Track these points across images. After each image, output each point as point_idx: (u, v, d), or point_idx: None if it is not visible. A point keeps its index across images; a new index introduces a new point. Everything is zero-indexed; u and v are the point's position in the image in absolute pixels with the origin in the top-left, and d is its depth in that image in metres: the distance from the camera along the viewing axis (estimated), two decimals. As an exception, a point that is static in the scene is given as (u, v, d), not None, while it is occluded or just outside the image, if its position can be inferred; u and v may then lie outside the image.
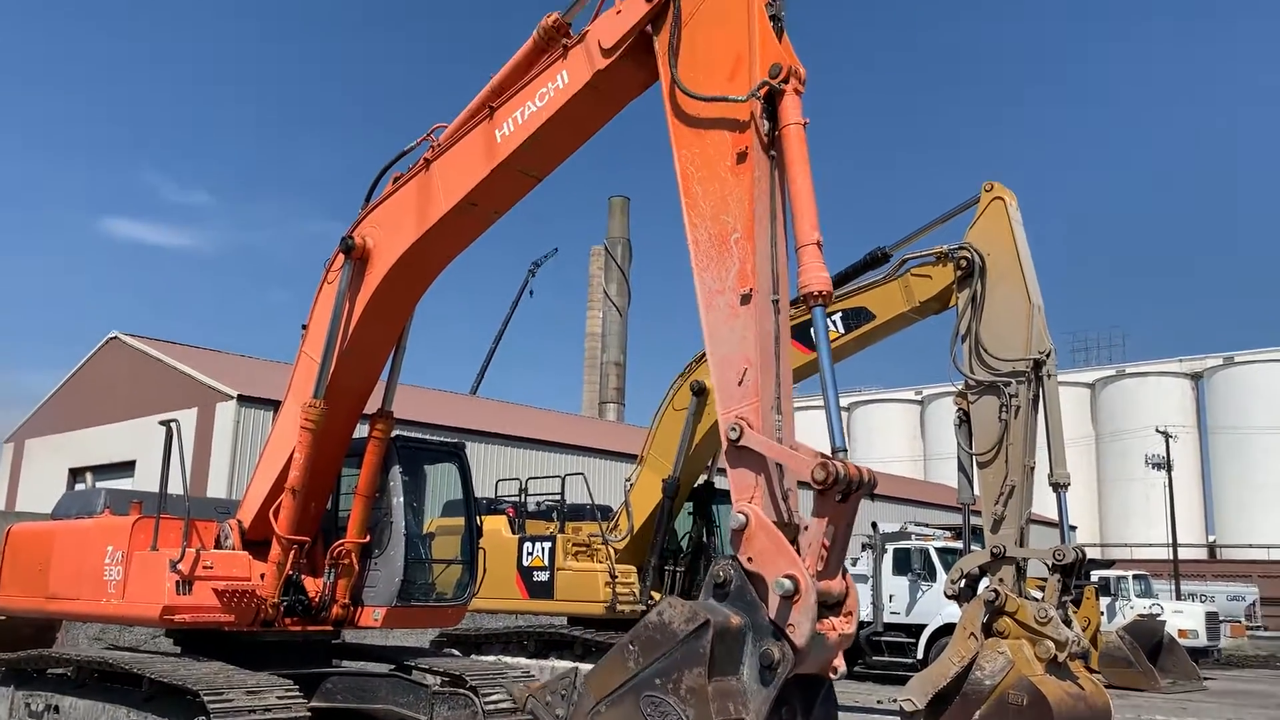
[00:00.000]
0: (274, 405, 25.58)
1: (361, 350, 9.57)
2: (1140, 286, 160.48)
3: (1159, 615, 23.55)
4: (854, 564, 20.76)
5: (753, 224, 6.04)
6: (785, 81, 6.02)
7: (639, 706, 5.68)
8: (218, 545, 9.59)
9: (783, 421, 6.08)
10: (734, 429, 5.92)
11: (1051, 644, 10.11)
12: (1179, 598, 33.65)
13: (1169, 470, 47.75)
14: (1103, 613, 21.91)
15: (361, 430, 10.08)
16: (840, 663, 5.85)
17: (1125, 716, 14.91)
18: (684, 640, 5.58)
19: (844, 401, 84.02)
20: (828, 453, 5.74)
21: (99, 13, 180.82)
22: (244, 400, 27.40)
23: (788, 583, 5.44)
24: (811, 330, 6.00)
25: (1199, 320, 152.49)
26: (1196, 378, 72.42)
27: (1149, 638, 21.38)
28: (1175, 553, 45.74)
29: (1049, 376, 11.11)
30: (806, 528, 5.72)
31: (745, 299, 6.01)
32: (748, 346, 6.01)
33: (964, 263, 11.37)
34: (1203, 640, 26.50)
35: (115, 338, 33.81)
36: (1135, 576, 26.11)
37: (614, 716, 5.79)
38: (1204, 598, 35.17)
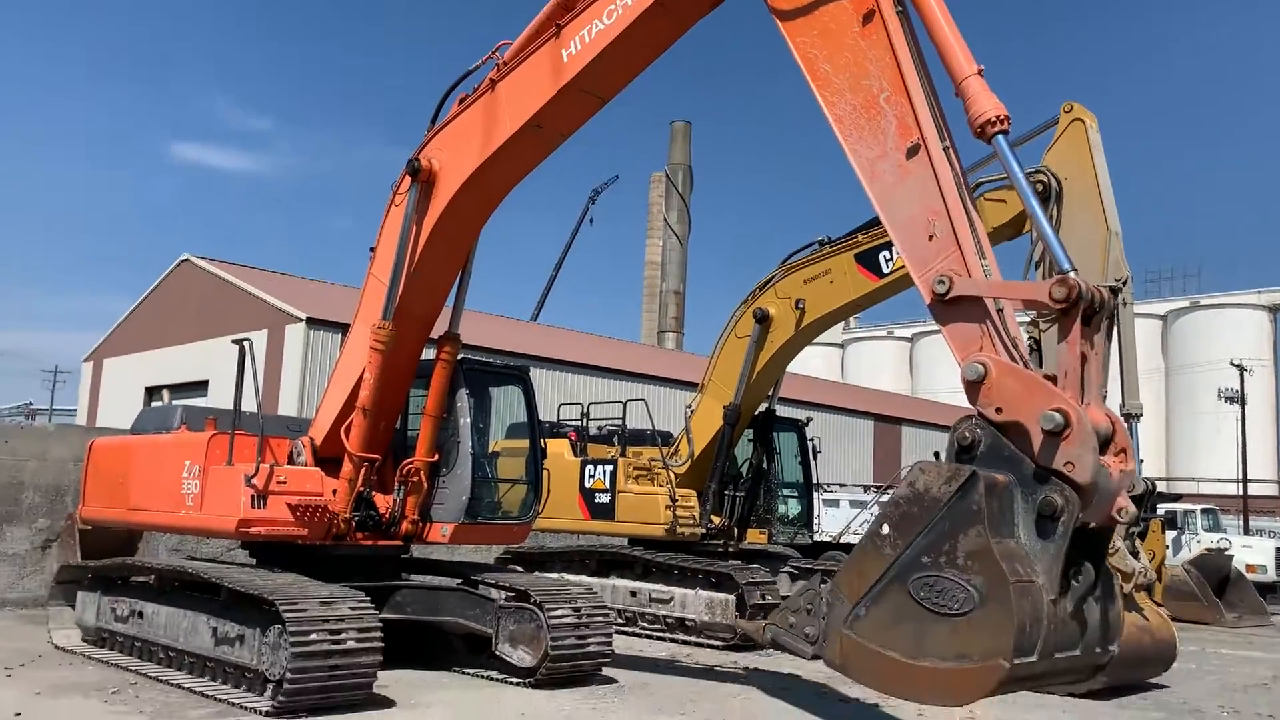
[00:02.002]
0: (342, 328, 26.03)
1: (428, 273, 9.67)
2: (1217, 215, 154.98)
3: (1227, 550, 23.18)
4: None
5: (900, 76, 5.84)
6: None
7: (909, 594, 5.06)
8: (290, 461, 9.86)
9: (990, 267, 5.75)
10: (941, 282, 5.60)
11: (1118, 575, 10.02)
12: (1247, 533, 33.09)
13: (1242, 404, 46.58)
14: (1168, 546, 21.62)
15: (429, 353, 10.23)
16: (1127, 502, 5.25)
17: (1189, 650, 14.79)
18: (950, 503, 5.01)
19: (906, 332, 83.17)
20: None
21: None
22: (313, 323, 27.88)
23: (1057, 416, 4.98)
24: (1001, 163, 5.72)
25: (1278, 250, 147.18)
26: (1275, 310, 70.17)
27: (1216, 572, 21.08)
28: (1245, 488, 44.85)
29: (1124, 304, 10.82)
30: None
31: (912, 151, 5.79)
32: (930, 197, 5.77)
33: (1040, 187, 11.04)
34: (1271, 575, 26.08)
35: (187, 260, 34.49)
36: (1203, 510, 25.69)
37: (880, 616, 5.18)
38: (1273, 533, 34.51)
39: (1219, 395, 49.89)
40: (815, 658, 5.53)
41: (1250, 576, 22.83)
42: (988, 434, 5.24)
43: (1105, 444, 5.18)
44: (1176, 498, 27.74)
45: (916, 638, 5.01)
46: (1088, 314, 5.30)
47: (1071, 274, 5.30)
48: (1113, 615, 5.49)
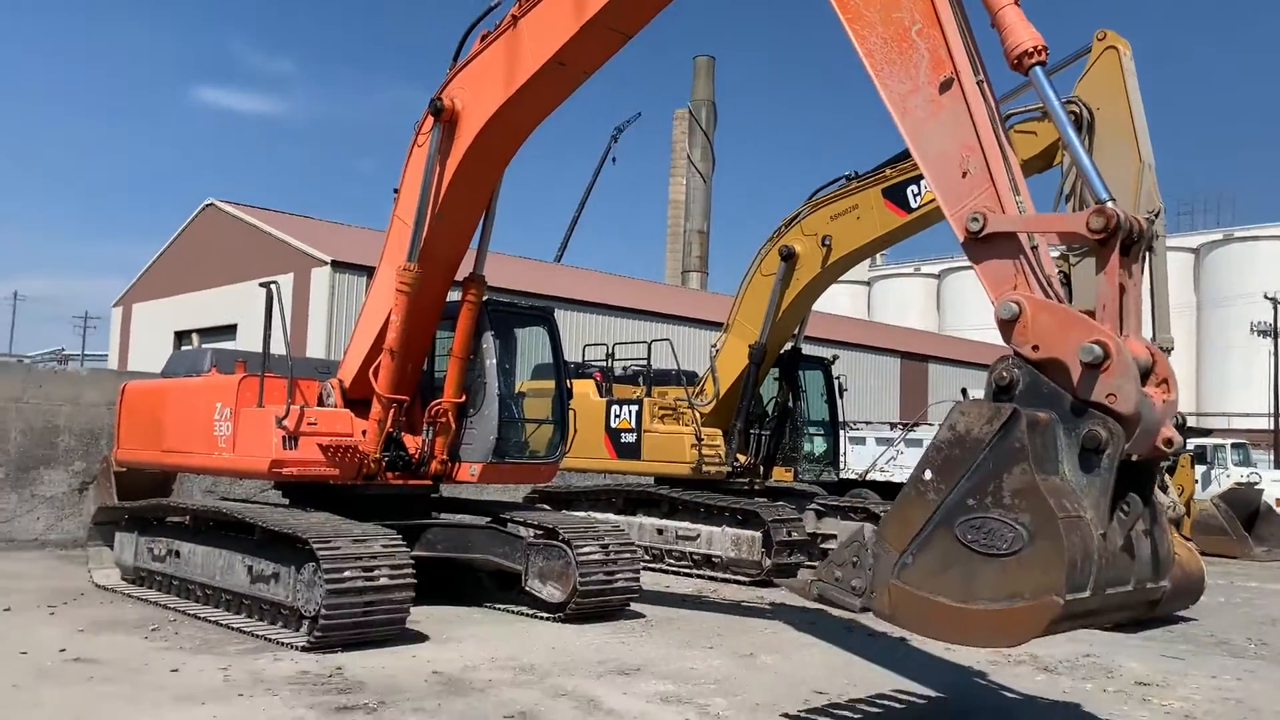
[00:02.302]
0: (367, 271, 26.12)
1: (452, 214, 9.64)
2: (1253, 144, 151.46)
3: (1257, 484, 23.06)
4: (941, 430, 20.64)
5: (932, 8, 5.68)
6: None
7: (957, 538, 5.00)
8: (320, 403, 9.95)
9: (1025, 203, 5.64)
10: (975, 219, 5.49)
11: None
12: (1278, 467, 32.87)
13: (1275, 338, 45.99)
14: (1197, 481, 21.53)
15: (454, 295, 10.24)
16: (1173, 433, 5.19)
17: (1218, 583, 14.80)
18: (992, 443, 4.94)
19: (933, 269, 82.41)
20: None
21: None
22: (338, 266, 27.95)
23: (1095, 348, 4.91)
24: (1039, 94, 5.59)
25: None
26: (1310, 242, 68.88)
27: (1245, 506, 21.00)
28: (1277, 422, 44.46)
29: (1157, 237, 10.62)
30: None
31: (945, 86, 5.66)
32: (964, 132, 5.65)
33: (1072, 118, 10.80)
34: (1300, 510, 25.97)
35: (211, 204, 34.57)
36: (1234, 445, 25.51)
37: (928, 562, 5.12)
38: (1304, 468, 34.30)
39: (1251, 329, 49.25)
40: (864, 610, 5.47)
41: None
42: (1025, 372, 5.16)
43: (1146, 375, 5.11)
44: (1207, 433, 27.55)
45: (966, 581, 4.97)
46: (1125, 244, 5.21)
47: (1109, 203, 5.20)
48: (1163, 549, 5.42)
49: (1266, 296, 47.95)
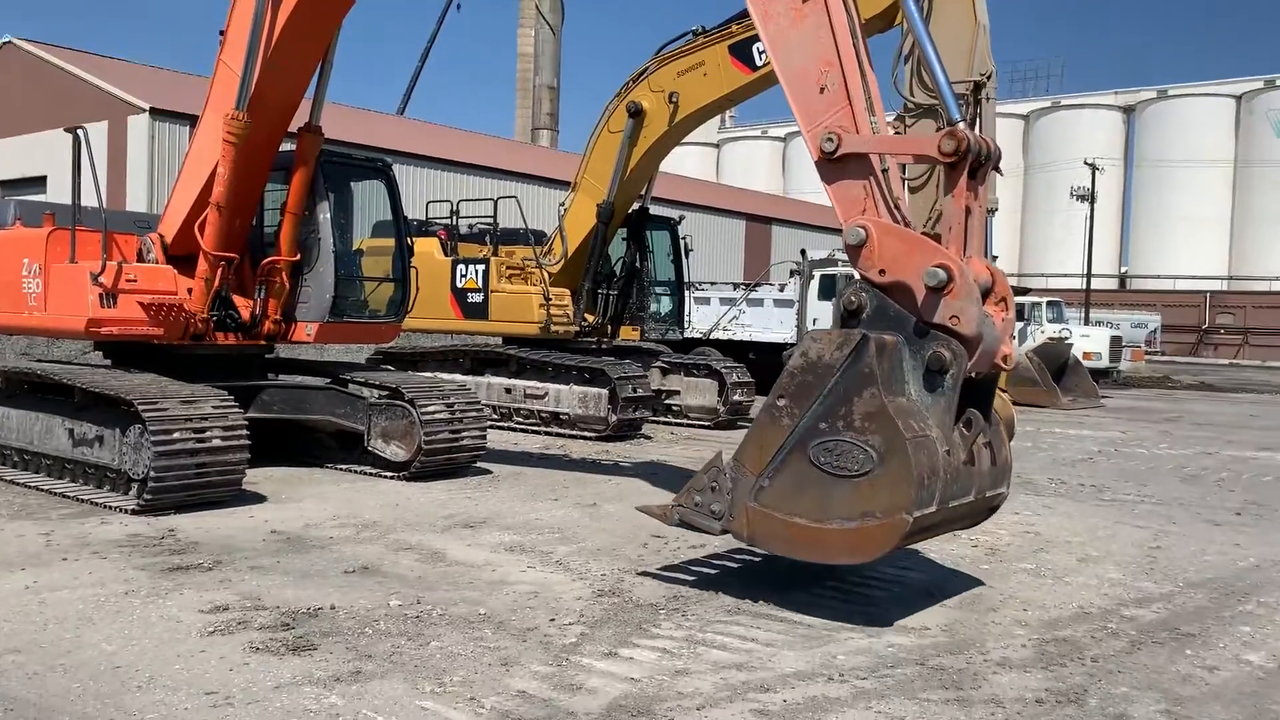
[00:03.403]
0: (190, 120, 24.39)
1: (286, 61, 9.03)
2: (1081, 15, 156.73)
3: (1067, 339, 24.74)
4: (781, 289, 21.23)
5: None
6: None
7: (811, 461, 5.20)
8: (140, 259, 9.40)
9: (879, 124, 5.70)
10: (829, 139, 5.52)
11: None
12: (1088, 324, 35.30)
13: (1092, 202, 48.69)
14: (1013, 336, 22.91)
15: (288, 146, 9.70)
16: (1011, 349, 5.48)
17: (1026, 430, 15.98)
18: (843, 368, 5.13)
19: (780, 132, 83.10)
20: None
21: None
22: (158, 114, 26.01)
23: (939, 272, 5.08)
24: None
25: (1136, 51, 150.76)
26: (1129, 110, 72.54)
27: (1056, 359, 22.57)
28: (1088, 282, 47.53)
29: (988, 100, 10.93)
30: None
31: None
32: (823, 47, 5.62)
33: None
34: (1105, 363, 28.12)
35: (9, 43, 31.39)
36: (1049, 303, 27.17)
37: (784, 485, 5.31)
38: (1111, 324, 36.96)
39: (1071, 193, 51.89)
40: (724, 533, 5.65)
41: (1086, 363, 24.56)
42: (873, 296, 5.33)
43: (986, 294, 5.33)
44: (1025, 291, 29.15)
45: (821, 501, 5.21)
46: (974, 167, 5.32)
47: (960, 125, 5.30)
48: (1001, 459, 5.82)
49: (1086, 162, 50.44)
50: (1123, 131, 72.54)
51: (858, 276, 5.53)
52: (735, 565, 6.74)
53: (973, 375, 5.29)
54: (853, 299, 5.41)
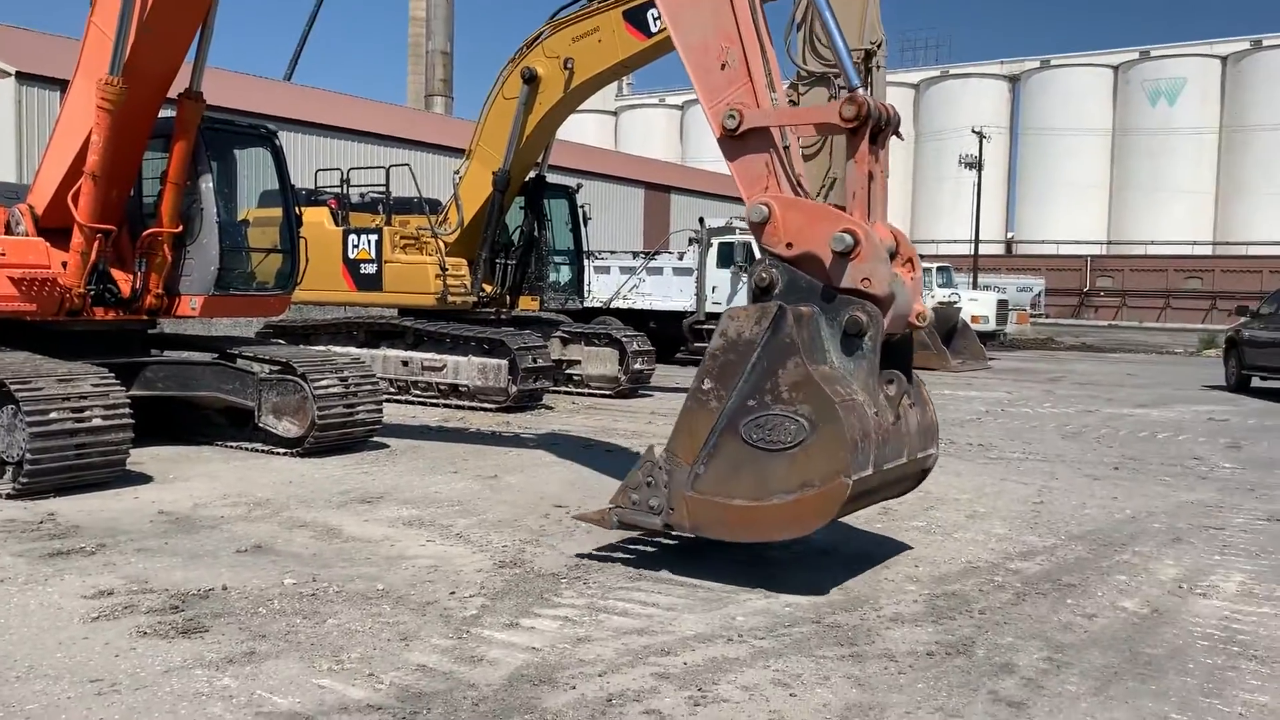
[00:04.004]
0: (61, 85, 23.19)
1: (162, 24, 8.63)
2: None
3: (956, 303, 25.49)
4: (680, 257, 21.32)
5: None
6: None
7: (743, 440, 5.14)
8: (8, 231, 8.95)
9: (779, 99, 5.70)
10: (731, 116, 5.50)
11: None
12: (975, 288, 36.43)
13: (979, 169, 50.09)
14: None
15: (168, 113, 9.30)
16: (924, 307, 5.53)
17: (918, 392, 16.42)
18: (764, 342, 5.11)
19: (677, 100, 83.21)
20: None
21: None
22: (25, 78, 24.65)
23: (847, 237, 5.10)
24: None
25: (1021, 22, 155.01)
26: (1014, 80, 74.65)
27: (945, 323, 23.26)
28: (976, 248, 48.99)
29: (878, 68, 11.12)
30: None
31: None
32: (724, 21, 5.58)
33: None
34: (992, 325, 29.13)
35: None
36: (939, 269, 27.93)
37: (719, 468, 5.24)
38: (998, 288, 38.21)
39: (959, 161, 53.28)
40: (667, 527, 5.56)
41: (975, 327, 25.40)
42: (783, 271, 5.33)
43: (892, 257, 5.39)
44: (917, 258, 29.94)
45: (758, 479, 5.16)
46: (874, 132, 5.36)
47: (860, 91, 5.34)
48: (927, 419, 5.90)
49: (974, 131, 51.82)
50: (1009, 100, 74.66)
51: (764, 254, 5.55)
52: (638, 532, 6.78)
53: (892, 337, 5.36)
54: (763, 275, 5.41)
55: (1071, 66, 71.23)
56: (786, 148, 5.62)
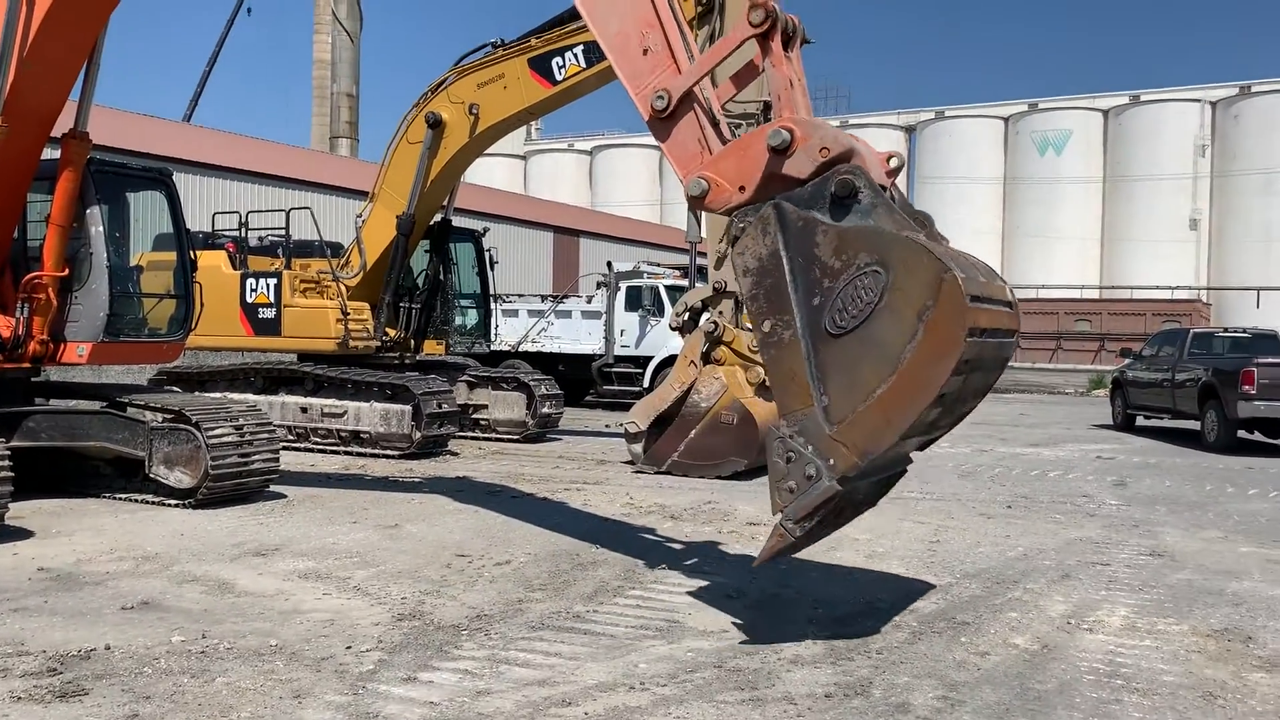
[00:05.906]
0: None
1: (44, 62, 8.40)
2: (866, 39, 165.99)
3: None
4: (589, 301, 21.39)
5: None
6: None
7: (836, 334, 4.75)
8: (-121, 276, 8.52)
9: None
10: (660, 97, 5.47)
11: (761, 370, 10.99)
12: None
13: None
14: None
15: (52, 153, 9.02)
16: (888, 150, 5.58)
17: (821, 434, 16.67)
18: (785, 242, 4.91)
19: (586, 145, 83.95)
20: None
21: None
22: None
23: (782, 131, 5.01)
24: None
25: (917, 74, 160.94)
26: (910, 130, 77.21)
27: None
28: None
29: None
30: None
31: None
32: (642, 9, 5.62)
33: (702, 1, 11.20)
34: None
35: None
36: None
37: (841, 381, 4.79)
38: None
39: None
40: (843, 481, 4.90)
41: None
42: (753, 214, 5.12)
43: None
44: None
45: (879, 354, 4.67)
46: (785, 38, 5.42)
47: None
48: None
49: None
50: (905, 149, 77.15)
51: (731, 214, 5.29)
52: (541, 580, 6.72)
53: (884, 188, 5.12)
54: (738, 227, 5.17)
55: (964, 117, 74.08)
56: (715, 123, 5.57)
